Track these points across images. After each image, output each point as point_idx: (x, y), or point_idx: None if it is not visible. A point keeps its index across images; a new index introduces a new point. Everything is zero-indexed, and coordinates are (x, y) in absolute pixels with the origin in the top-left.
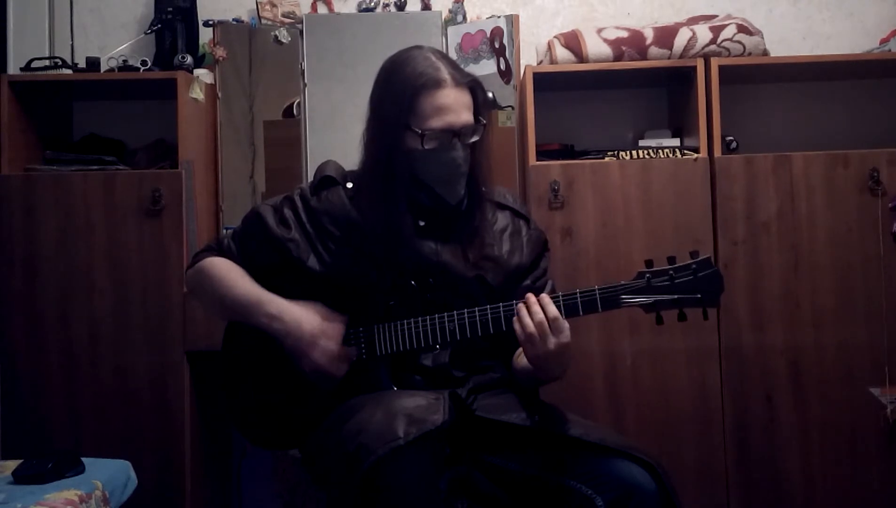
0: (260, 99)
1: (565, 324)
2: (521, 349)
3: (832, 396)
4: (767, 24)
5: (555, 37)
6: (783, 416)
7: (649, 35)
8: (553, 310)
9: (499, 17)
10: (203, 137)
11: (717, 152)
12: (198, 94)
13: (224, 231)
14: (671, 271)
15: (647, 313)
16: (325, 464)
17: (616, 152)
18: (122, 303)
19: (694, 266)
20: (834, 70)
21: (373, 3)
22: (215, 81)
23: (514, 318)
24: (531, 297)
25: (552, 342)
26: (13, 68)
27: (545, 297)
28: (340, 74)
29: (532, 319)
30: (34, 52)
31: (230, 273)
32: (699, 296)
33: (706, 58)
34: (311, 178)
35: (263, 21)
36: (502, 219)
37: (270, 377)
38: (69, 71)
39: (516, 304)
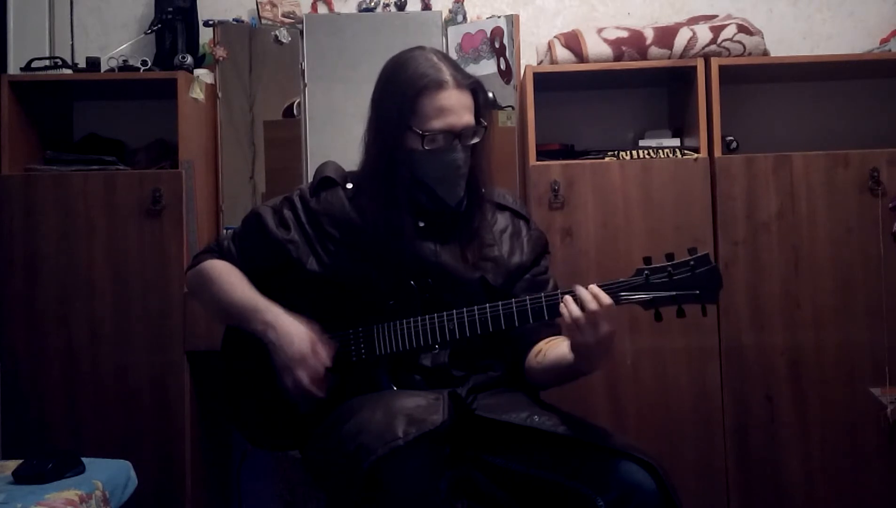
0: (260, 99)
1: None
2: (538, 347)
3: (832, 396)
4: (767, 24)
5: (555, 37)
6: (783, 416)
7: (649, 35)
8: (606, 297)
9: (499, 17)
10: (203, 137)
11: (718, 152)
12: (198, 94)
13: (224, 232)
14: (669, 268)
15: (646, 310)
16: (325, 464)
17: (616, 152)
18: (122, 303)
19: (692, 263)
20: (834, 70)
21: (373, 3)
22: (215, 80)
23: (561, 306)
24: (580, 288)
25: (604, 328)
26: (13, 68)
27: (595, 287)
28: (340, 74)
29: (587, 307)
30: (34, 52)
31: (229, 277)
32: (698, 292)
33: (706, 58)
34: (311, 178)
35: (263, 21)
36: (502, 220)
37: (270, 378)
38: (69, 71)
39: (515, 303)
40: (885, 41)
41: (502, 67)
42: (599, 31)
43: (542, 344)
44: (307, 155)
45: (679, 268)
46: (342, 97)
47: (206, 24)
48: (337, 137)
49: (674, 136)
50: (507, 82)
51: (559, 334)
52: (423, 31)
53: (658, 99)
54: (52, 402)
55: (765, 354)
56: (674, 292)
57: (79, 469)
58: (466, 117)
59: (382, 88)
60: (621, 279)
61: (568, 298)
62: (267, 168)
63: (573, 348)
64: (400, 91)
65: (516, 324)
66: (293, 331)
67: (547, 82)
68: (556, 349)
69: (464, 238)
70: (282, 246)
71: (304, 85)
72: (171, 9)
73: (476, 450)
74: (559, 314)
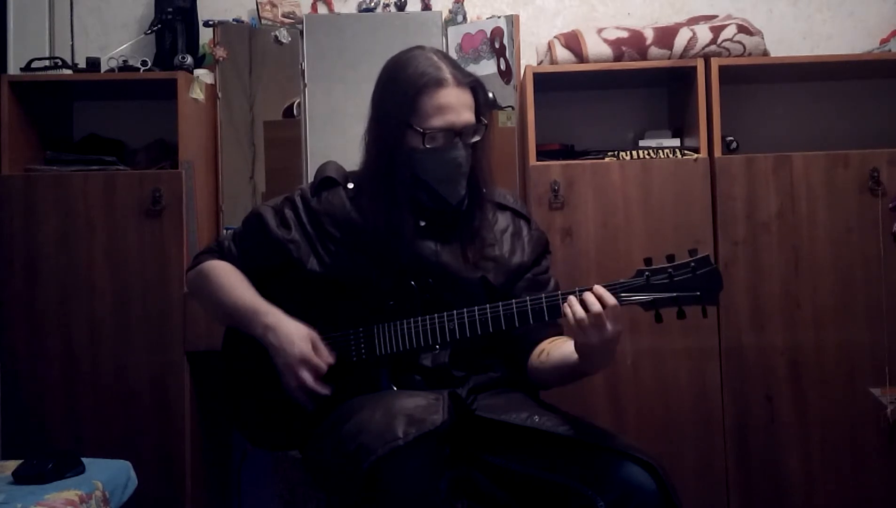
0: (260, 99)
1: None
2: (542, 346)
3: (832, 396)
4: (767, 24)
5: (555, 37)
6: (783, 416)
7: (649, 35)
8: (610, 299)
9: (499, 17)
10: (203, 137)
11: (717, 152)
12: (198, 94)
13: (224, 232)
14: (670, 269)
15: (647, 311)
16: (325, 465)
17: (616, 152)
18: (122, 303)
19: (693, 264)
20: (834, 70)
21: (373, 3)
22: (215, 81)
23: (565, 307)
24: (586, 291)
25: (609, 329)
26: (13, 68)
27: (599, 288)
28: (340, 74)
29: (591, 309)
30: (34, 52)
31: (230, 278)
32: (698, 294)
33: (706, 58)
34: (311, 178)
35: (263, 21)
36: (503, 219)
37: (270, 378)
38: (69, 71)
39: (516, 303)
40: (885, 41)
41: (502, 67)
42: (599, 31)
43: (545, 344)
44: (307, 155)
45: (680, 269)
46: (342, 97)
47: (206, 24)
48: (337, 137)
49: (674, 136)
50: (507, 82)
51: (562, 333)
52: (423, 32)
53: (658, 99)
54: (52, 402)
55: (765, 354)
56: (674, 294)
57: (79, 470)
58: (467, 115)
59: (383, 88)
60: (622, 280)
61: (572, 299)
62: (267, 168)
63: (577, 348)
64: (400, 90)
65: (517, 324)
66: (293, 332)
67: (547, 82)
68: (559, 349)
69: (465, 238)
70: (283, 246)
71: (304, 85)
72: (171, 9)
73: (476, 450)
74: (559, 315)
